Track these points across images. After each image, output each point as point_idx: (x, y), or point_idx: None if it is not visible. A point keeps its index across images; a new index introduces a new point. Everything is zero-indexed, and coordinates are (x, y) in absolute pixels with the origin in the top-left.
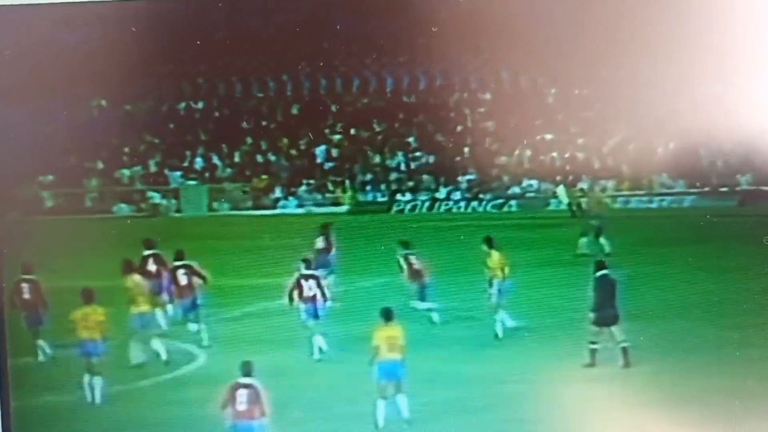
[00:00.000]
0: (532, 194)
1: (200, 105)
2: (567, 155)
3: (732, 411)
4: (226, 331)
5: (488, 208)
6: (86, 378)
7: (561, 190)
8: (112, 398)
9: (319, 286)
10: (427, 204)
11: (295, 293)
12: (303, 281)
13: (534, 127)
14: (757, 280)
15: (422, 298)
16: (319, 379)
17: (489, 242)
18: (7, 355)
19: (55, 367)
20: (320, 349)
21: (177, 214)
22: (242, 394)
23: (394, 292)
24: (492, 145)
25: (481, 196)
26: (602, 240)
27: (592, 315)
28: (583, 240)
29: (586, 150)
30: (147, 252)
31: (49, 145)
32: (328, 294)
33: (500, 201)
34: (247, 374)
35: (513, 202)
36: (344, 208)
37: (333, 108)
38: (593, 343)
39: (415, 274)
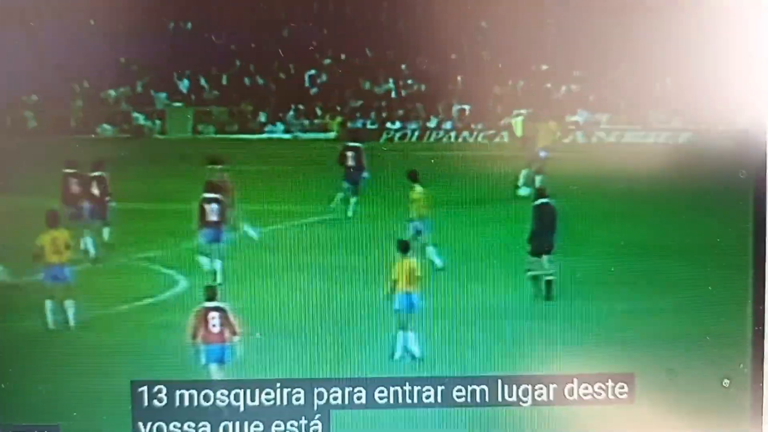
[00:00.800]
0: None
1: (189, 26)
2: (563, 88)
3: (703, 347)
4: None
5: (479, 138)
6: (49, 304)
7: (517, 122)
8: (87, 323)
9: (221, 211)
10: (417, 133)
11: (198, 218)
12: (205, 205)
13: (529, 57)
14: (692, 218)
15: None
16: (314, 308)
17: (413, 175)
18: None
19: (19, 292)
20: (216, 276)
21: (161, 136)
22: (214, 317)
23: (370, 222)
24: (486, 74)
25: (472, 126)
26: (538, 178)
27: (528, 244)
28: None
29: (581, 82)
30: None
31: (34, 64)
32: (230, 219)
33: (492, 132)
34: (212, 298)
35: (505, 133)
36: (332, 135)
37: (324, 32)
38: (529, 270)
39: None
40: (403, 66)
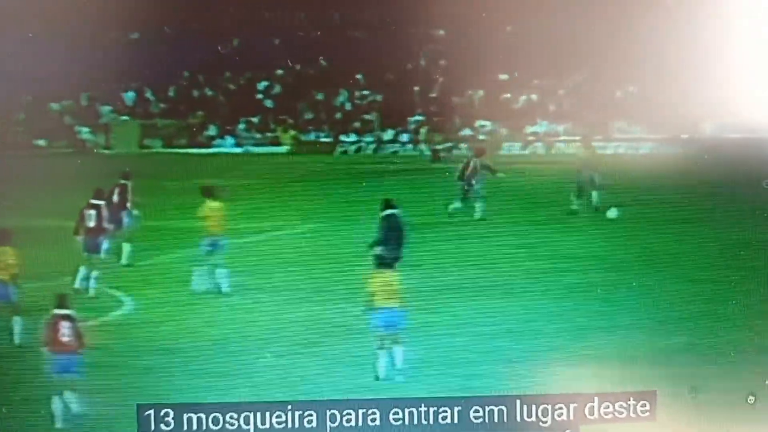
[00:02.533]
0: (483, 137)
1: (135, 36)
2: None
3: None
4: (154, 274)
5: (440, 151)
6: None
7: (423, 131)
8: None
9: (99, 217)
10: (372, 146)
11: (79, 225)
12: (86, 211)
13: (488, 67)
14: (714, 230)
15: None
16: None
17: (206, 191)
18: None
19: None
20: (87, 284)
21: (106, 151)
22: (65, 326)
23: (327, 237)
24: (444, 84)
25: (429, 138)
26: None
27: (375, 255)
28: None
29: (541, 92)
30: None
31: None
32: (107, 227)
33: (450, 144)
34: (63, 306)
35: (463, 145)
36: (285, 149)
37: (276, 42)
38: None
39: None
40: (358, 76)
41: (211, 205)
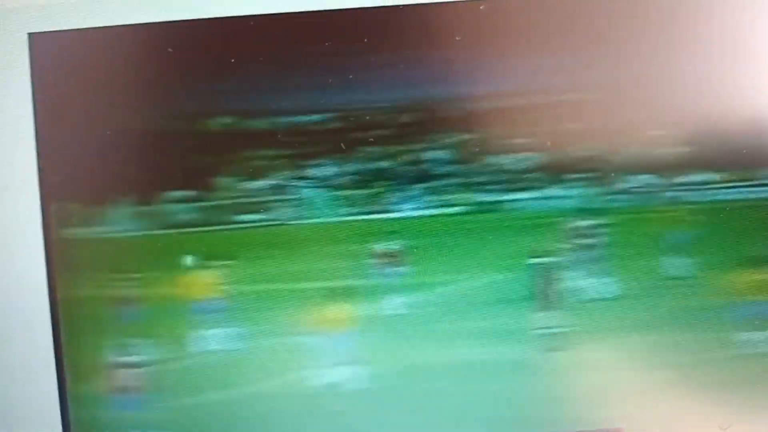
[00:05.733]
0: (642, 189)
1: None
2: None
3: (757, 399)
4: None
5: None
6: None
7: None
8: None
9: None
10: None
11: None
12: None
13: (640, 123)
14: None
15: None
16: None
17: None
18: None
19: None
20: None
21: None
22: None
23: (498, 286)
24: (599, 143)
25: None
26: None
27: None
28: None
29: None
30: None
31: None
32: None
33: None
34: None
35: (624, 197)
36: (457, 209)
37: (439, 114)
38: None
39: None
40: (520, 140)
41: None
